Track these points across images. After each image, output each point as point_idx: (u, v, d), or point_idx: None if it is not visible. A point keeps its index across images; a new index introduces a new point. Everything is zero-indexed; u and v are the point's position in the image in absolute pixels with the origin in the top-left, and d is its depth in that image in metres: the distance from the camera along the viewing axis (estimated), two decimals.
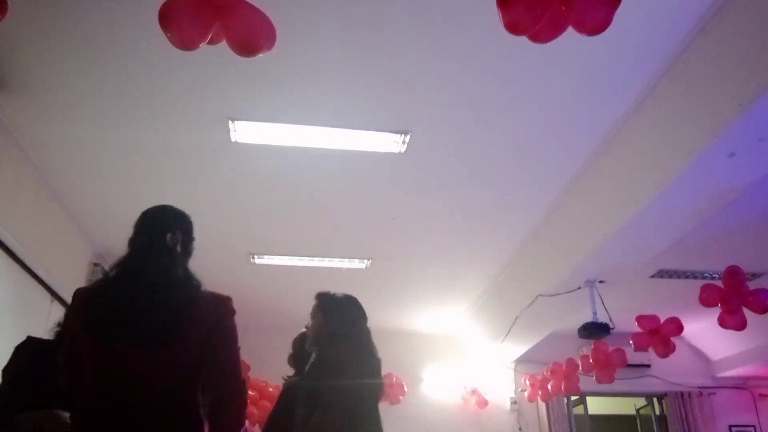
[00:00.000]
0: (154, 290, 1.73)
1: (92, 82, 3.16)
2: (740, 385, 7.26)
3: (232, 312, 1.83)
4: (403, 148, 3.72)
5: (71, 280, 4.31)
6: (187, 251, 1.90)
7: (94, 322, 1.71)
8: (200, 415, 1.70)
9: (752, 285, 4.09)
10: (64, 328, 2.16)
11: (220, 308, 1.80)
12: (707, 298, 4.15)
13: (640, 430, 7.58)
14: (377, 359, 2.43)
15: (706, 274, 5.33)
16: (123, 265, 1.81)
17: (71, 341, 1.77)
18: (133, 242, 1.85)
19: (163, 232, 1.84)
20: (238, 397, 1.79)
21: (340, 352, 2.34)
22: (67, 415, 1.88)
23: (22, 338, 2.31)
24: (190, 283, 1.82)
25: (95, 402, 1.65)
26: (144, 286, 1.74)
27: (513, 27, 1.97)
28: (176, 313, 1.71)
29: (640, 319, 4.83)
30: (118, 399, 1.63)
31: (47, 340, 2.27)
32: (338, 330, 2.42)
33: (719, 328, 4.20)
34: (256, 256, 5.24)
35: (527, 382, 6.68)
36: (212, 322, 1.75)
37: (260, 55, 2.09)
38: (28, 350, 2.23)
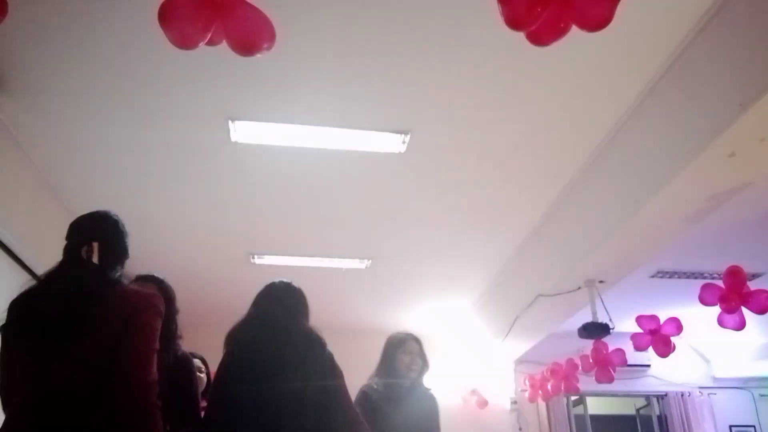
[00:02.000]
0: (70, 300, 1.77)
1: (92, 82, 3.16)
2: (740, 385, 7.26)
3: (152, 308, 1.82)
4: (403, 148, 3.72)
5: None
6: (112, 256, 1.93)
7: (12, 324, 1.79)
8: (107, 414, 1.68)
9: (752, 285, 4.08)
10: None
11: (139, 303, 1.81)
12: (707, 298, 4.14)
13: (640, 430, 7.58)
14: None
15: (706, 274, 5.33)
16: (49, 275, 1.88)
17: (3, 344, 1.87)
18: (63, 252, 1.92)
19: (78, 246, 1.89)
20: (138, 395, 1.70)
21: None
22: None
23: None
24: (109, 284, 1.85)
25: (14, 403, 1.74)
26: (60, 295, 1.79)
27: (513, 22, 1.95)
28: (83, 311, 1.73)
29: (640, 319, 4.83)
30: (27, 400, 1.70)
31: None
32: None
33: (719, 328, 4.20)
34: (256, 256, 5.24)
35: (527, 382, 6.68)
36: (127, 316, 1.76)
37: (260, 55, 2.09)
38: None
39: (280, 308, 2.35)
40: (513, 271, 5.43)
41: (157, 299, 1.87)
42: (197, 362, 3.32)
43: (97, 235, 1.92)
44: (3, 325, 1.82)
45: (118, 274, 1.94)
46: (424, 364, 3.01)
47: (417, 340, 3.04)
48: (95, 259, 1.88)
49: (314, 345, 2.24)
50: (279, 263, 5.35)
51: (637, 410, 7.58)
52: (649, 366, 7.02)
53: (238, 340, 2.30)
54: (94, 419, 1.66)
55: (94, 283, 1.82)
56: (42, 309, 1.77)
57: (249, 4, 1.99)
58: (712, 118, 2.83)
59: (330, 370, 2.21)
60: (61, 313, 1.73)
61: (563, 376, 6.00)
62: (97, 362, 1.70)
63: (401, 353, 2.96)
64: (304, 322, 2.34)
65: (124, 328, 1.73)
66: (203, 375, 3.33)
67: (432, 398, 3.06)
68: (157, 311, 1.83)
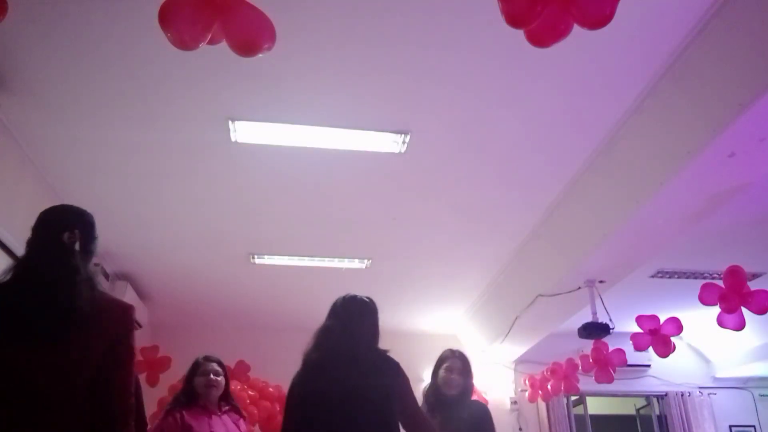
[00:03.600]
0: (53, 288, 1.69)
1: (92, 82, 3.16)
2: (740, 385, 7.26)
3: (133, 326, 1.80)
4: (403, 148, 3.72)
5: None
6: (87, 250, 1.86)
7: None
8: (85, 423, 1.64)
9: (752, 285, 4.08)
10: None
11: (123, 320, 1.76)
12: (707, 298, 4.15)
13: (640, 430, 7.58)
14: None
15: (706, 274, 5.33)
16: (19, 266, 1.77)
17: None
18: (31, 243, 1.82)
19: (60, 231, 1.81)
20: (122, 419, 1.67)
21: None
22: None
23: None
24: (91, 283, 1.78)
25: None
26: (43, 284, 1.71)
27: (513, 19, 1.95)
28: (74, 313, 1.67)
29: (640, 319, 4.83)
30: (6, 399, 1.61)
31: None
32: None
33: (719, 328, 4.20)
34: (256, 256, 5.24)
35: (527, 382, 6.68)
36: (113, 334, 1.71)
37: (260, 55, 2.09)
38: None
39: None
40: (513, 271, 5.43)
41: (133, 312, 1.82)
42: (212, 365, 3.28)
43: (79, 223, 1.87)
44: None
45: (92, 274, 1.86)
46: (465, 382, 3.05)
47: (461, 358, 3.10)
48: (77, 247, 1.81)
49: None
50: (279, 263, 5.35)
51: (637, 410, 7.58)
52: (649, 366, 7.03)
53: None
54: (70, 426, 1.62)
55: (84, 284, 1.75)
56: (29, 307, 1.67)
57: (249, 5, 1.99)
58: (712, 118, 2.83)
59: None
60: (50, 312, 1.65)
61: (563, 376, 6.00)
62: (74, 368, 1.64)
63: (443, 370, 3.07)
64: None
65: (109, 346, 1.68)
66: (221, 378, 3.28)
67: (479, 408, 3.10)
68: (134, 327, 1.83)
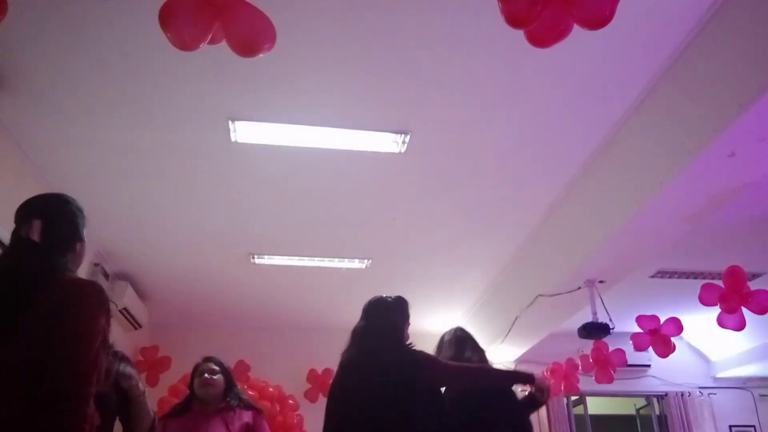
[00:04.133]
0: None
1: (92, 82, 3.16)
2: (740, 385, 7.26)
3: (84, 297, 1.62)
4: (403, 148, 3.72)
5: None
6: (51, 238, 1.74)
7: None
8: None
9: (752, 285, 4.08)
10: None
11: (73, 294, 1.61)
12: (707, 297, 4.15)
13: (640, 430, 7.58)
14: None
15: (706, 274, 5.33)
16: None
17: None
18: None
19: (19, 224, 1.76)
20: (60, 400, 1.48)
21: None
22: None
23: None
24: (46, 270, 1.66)
25: None
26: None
27: (513, 19, 1.95)
28: (13, 303, 1.57)
29: (640, 319, 4.83)
30: None
31: None
32: None
33: (719, 328, 4.20)
34: (256, 256, 5.24)
35: None
36: (58, 311, 1.56)
37: (260, 55, 2.09)
38: None
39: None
40: (513, 271, 5.43)
41: (90, 288, 1.66)
42: (210, 365, 3.27)
43: (40, 213, 1.78)
44: None
45: (65, 259, 1.74)
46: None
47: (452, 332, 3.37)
48: (35, 237, 1.72)
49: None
50: (279, 263, 5.35)
51: (637, 410, 7.58)
52: (649, 366, 7.02)
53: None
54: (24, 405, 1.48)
55: (29, 261, 1.66)
56: None
57: (249, 5, 1.99)
58: (712, 118, 2.83)
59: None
60: None
61: (563, 376, 6.00)
62: (22, 360, 1.52)
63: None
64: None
65: (53, 323, 1.53)
66: (217, 376, 3.26)
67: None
68: (105, 305, 1.64)
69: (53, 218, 1.79)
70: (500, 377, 3.06)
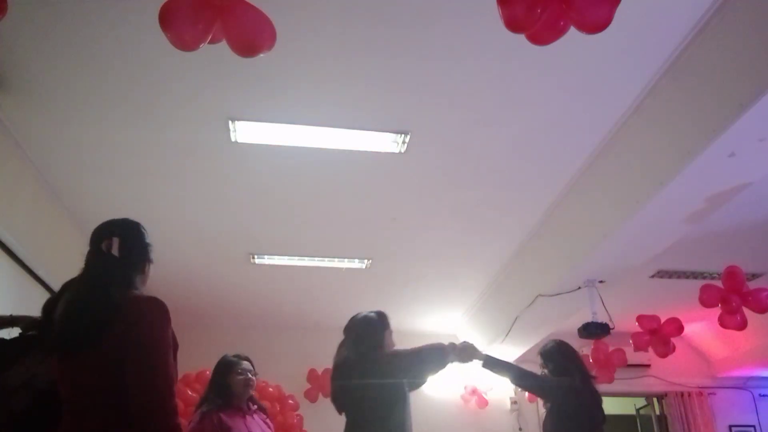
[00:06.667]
0: (79, 295, 1.76)
1: (92, 82, 3.16)
2: (740, 385, 7.26)
3: (152, 316, 1.74)
4: (403, 148, 3.72)
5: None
6: (129, 256, 1.87)
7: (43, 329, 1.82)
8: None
9: (752, 285, 4.09)
10: None
11: (145, 313, 1.74)
12: (707, 299, 4.15)
13: (640, 430, 7.57)
14: None
15: (706, 274, 5.33)
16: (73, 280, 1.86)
17: None
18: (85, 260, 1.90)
19: (99, 241, 1.88)
20: (151, 415, 1.61)
21: None
22: None
23: None
24: (124, 285, 1.79)
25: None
26: (74, 292, 1.79)
27: (513, 24, 1.96)
28: (95, 319, 1.69)
29: (640, 319, 4.83)
30: (66, 408, 1.69)
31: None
32: None
33: (719, 328, 4.21)
34: (256, 256, 5.24)
35: None
36: (134, 330, 1.69)
37: (261, 55, 2.09)
38: None
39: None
40: (513, 271, 5.43)
41: (154, 304, 1.78)
42: (246, 364, 3.24)
43: (117, 232, 1.90)
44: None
45: (140, 277, 1.89)
46: None
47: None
48: (115, 252, 1.84)
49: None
50: (279, 263, 5.35)
51: (637, 410, 7.57)
52: (649, 366, 7.02)
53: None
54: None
55: (113, 286, 1.76)
56: (59, 317, 1.75)
57: (249, 5, 1.99)
58: (712, 118, 2.83)
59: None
60: (72, 322, 1.71)
61: None
62: (101, 374, 1.66)
63: None
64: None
65: (128, 341, 1.66)
66: (253, 376, 3.24)
67: None
68: (159, 318, 1.77)
69: (130, 237, 1.92)
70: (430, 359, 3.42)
